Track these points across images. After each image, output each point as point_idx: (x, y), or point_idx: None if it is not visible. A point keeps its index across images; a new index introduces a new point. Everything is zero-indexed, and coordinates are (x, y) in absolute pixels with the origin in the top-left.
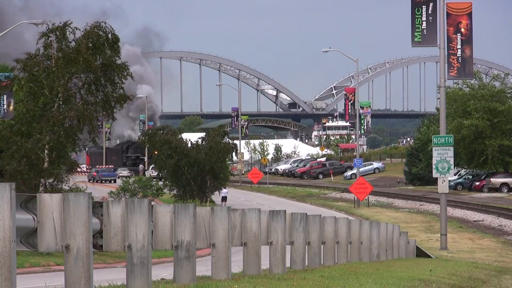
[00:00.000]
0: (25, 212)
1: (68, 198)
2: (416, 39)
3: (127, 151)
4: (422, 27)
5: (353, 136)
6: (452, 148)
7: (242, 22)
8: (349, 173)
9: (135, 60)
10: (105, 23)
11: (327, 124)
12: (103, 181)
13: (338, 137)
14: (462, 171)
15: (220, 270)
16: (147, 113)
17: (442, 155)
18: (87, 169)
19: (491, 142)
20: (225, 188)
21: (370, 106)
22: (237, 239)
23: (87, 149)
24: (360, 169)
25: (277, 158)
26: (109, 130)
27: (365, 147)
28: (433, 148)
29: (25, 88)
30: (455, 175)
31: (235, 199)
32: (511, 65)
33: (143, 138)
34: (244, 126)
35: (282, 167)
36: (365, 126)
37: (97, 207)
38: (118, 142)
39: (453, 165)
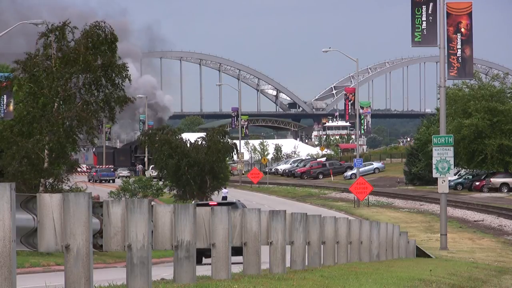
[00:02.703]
0: (25, 212)
1: (68, 198)
2: (416, 39)
3: (136, 151)
4: (422, 27)
5: (353, 136)
6: (452, 148)
7: (242, 22)
8: (349, 173)
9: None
10: (104, 22)
11: (327, 124)
12: (102, 181)
13: (338, 137)
14: (462, 171)
15: (220, 270)
16: (146, 111)
17: (442, 155)
18: (87, 169)
19: (491, 142)
20: (225, 188)
21: (370, 106)
22: (237, 239)
23: (94, 149)
24: (360, 169)
25: (277, 158)
26: (109, 130)
27: (365, 147)
28: (433, 148)
29: (25, 88)
30: (455, 175)
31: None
32: (511, 65)
33: (143, 138)
34: (244, 126)
35: (282, 167)
36: (365, 126)
37: (97, 207)
38: (118, 142)
39: (453, 165)
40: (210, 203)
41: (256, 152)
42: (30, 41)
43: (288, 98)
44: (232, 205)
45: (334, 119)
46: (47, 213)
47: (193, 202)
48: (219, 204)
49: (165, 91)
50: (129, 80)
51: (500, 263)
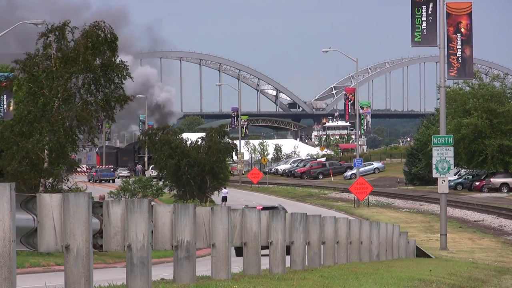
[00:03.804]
0: (25, 212)
1: (68, 198)
2: (416, 39)
3: (139, 151)
4: (422, 27)
5: (353, 136)
6: (452, 148)
7: (242, 22)
8: (349, 173)
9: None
10: (104, 22)
11: (327, 124)
12: (102, 181)
13: (338, 137)
14: (462, 171)
15: (220, 270)
16: (147, 109)
17: (442, 155)
18: (87, 169)
19: (491, 142)
20: (225, 188)
21: (370, 106)
22: (237, 239)
23: (97, 149)
24: (360, 169)
25: (277, 158)
26: (109, 130)
27: (365, 147)
28: (433, 148)
29: (24, 88)
30: (455, 175)
31: (235, 199)
32: (511, 65)
33: (143, 138)
34: (244, 126)
35: (282, 167)
36: (365, 126)
37: (97, 207)
38: (118, 142)
39: (453, 165)
40: (257, 207)
41: (256, 152)
42: (19, 39)
43: (288, 98)
44: (275, 209)
45: (334, 119)
46: (47, 213)
47: (244, 206)
48: (264, 208)
49: (165, 89)
50: (131, 78)
51: (500, 263)
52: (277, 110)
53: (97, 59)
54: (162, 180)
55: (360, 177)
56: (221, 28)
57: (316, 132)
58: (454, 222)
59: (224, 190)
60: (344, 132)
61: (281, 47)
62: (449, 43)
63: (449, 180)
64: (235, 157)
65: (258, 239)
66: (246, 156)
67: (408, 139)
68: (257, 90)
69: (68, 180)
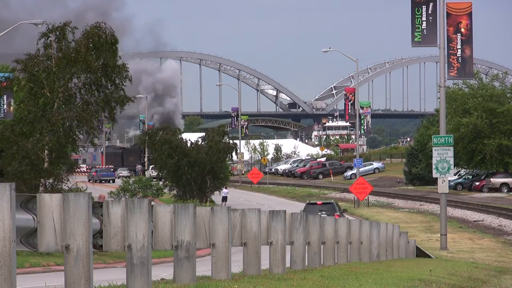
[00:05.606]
0: (25, 212)
1: (68, 198)
2: (416, 39)
3: (145, 151)
4: (422, 27)
5: (353, 136)
6: (452, 148)
7: (242, 22)
8: (349, 173)
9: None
10: (105, 23)
11: (327, 124)
12: (102, 181)
13: (338, 137)
14: (462, 171)
15: (220, 270)
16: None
17: (442, 155)
18: (87, 169)
19: (490, 141)
20: (226, 188)
21: (370, 106)
22: (237, 239)
23: (102, 149)
24: (360, 169)
25: (277, 158)
26: (109, 130)
27: (365, 147)
28: (433, 148)
29: (25, 89)
30: (455, 175)
31: (235, 199)
32: (511, 65)
33: (143, 138)
34: (244, 126)
35: (282, 167)
36: (365, 126)
37: (97, 207)
38: (118, 142)
39: (453, 165)
40: (318, 203)
41: (256, 152)
42: (8, 35)
43: (288, 98)
44: (330, 204)
45: (334, 119)
46: (47, 213)
47: (308, 201)
48: (323, 203)
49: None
50: (130, 80)
51: (500, 263)
52: (277, 110)
53: (98, 59)
54: (162, 180)
55: (360, 177)
56: (221, 28)
57: (316, 132)
58: (454, 222)
59: (224, 190)
60: (344, 132)
61: (281, 47)
62: (449, 43)
63: (449, 180)
64: (235, 157)
65: (258, 239)
66: (246, 156)
67: (408, 139)
68: (257, 90)
69: (68, 180)
